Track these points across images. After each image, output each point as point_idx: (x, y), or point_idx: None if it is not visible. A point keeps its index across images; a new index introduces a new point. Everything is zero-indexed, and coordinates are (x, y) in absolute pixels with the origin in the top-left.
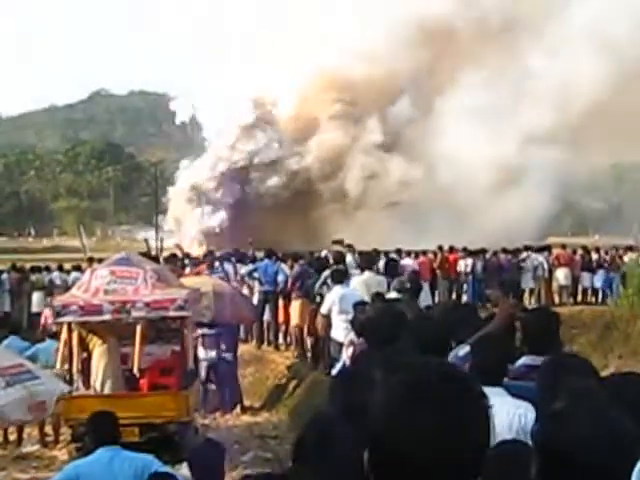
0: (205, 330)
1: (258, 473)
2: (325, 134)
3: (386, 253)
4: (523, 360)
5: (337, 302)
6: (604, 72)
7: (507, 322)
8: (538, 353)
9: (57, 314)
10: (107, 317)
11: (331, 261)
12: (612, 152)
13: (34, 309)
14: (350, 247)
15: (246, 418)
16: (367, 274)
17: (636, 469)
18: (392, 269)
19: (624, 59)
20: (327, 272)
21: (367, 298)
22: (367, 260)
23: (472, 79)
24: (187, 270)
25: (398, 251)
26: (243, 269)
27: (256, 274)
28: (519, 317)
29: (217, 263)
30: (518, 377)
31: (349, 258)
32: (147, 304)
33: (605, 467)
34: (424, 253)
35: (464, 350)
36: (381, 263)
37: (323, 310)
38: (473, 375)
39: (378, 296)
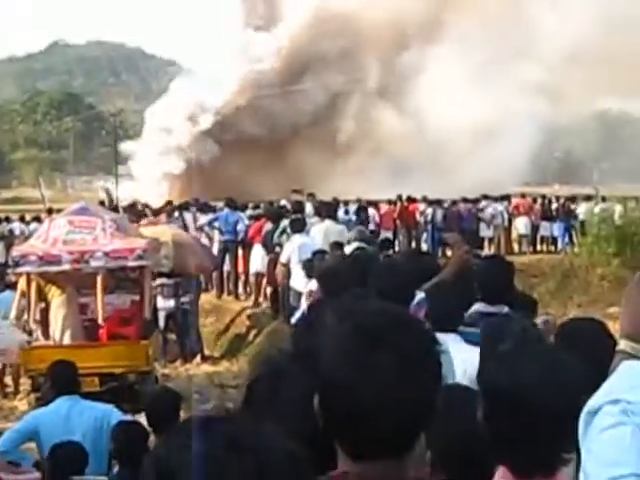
0: (164, 280)
1: (201, 414)
2: (320, 74)
3: (346, 202)
4: (476, 307)
5: (296, 251)
6: (590, 20)
7: (461, 268)
8: (490, 301)
9: (15, 264)
10: (66, 267)
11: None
12: (597, 101)
13: None
14: (311, 195)
15: (206, 367)
16: (327, 223)
17: (582, 414)
18: (363, 215)
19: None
20: (286, 221)
21: (327, 247)
22: (328, 209)
23: (472, 32)
24: (146, 220)
25: (358, 200)
26: (203, 218)
27: (216, 224)
28: (473, 263)
29: (176, 213)
30: (471, 324)
31: (308, 207)
32: (106, 254)
33: (549, 409)
34: (389, 203)
35: (419, 296)
36: (352, 208)
37: (282, 259)
38: (426, 321)
39: (336, 245)
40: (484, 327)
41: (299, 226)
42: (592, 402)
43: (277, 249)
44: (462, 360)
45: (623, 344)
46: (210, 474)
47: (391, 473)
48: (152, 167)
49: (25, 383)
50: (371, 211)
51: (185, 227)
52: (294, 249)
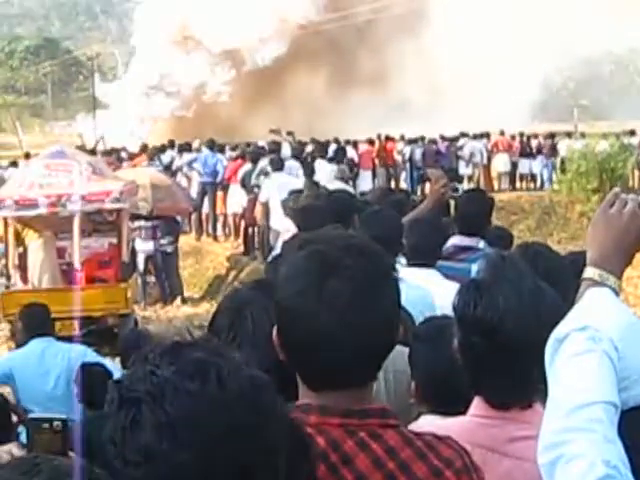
0: (142, 222)
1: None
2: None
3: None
4: (452, 240)
5: (276, 190)
6: None
7: (438, 202)
8: (467, 234)
9: None
10: (43, 211)
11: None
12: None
13: None
14: (290, 134)
15: (186, 309)
16: (320, 161)
17: (550, 342)
18: (340, 155)
19: None
20: (264, 162)
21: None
22: (319, 148)
23: None
24: (124, 163)
25: (336, 141)
26: (183, 159)
27: (195, 165)
28: (451, 197)
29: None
30: (447, 257)
31: (285, 147)
32: (83, 197)
33: (526, 338)
34: (368, 142)
35: None
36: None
37: (261, 198)
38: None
39: (314, 184)
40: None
41: (278, 165)
42: (559, 329)
43: (255, 190)
44: (440, 295)
45: (590, 272)
46: (174, 400)
47: (352, 403)
48: (133, 109)
49: (4, 328)
50: (351, 151)
51: (164, 169)
52: (273, 188)
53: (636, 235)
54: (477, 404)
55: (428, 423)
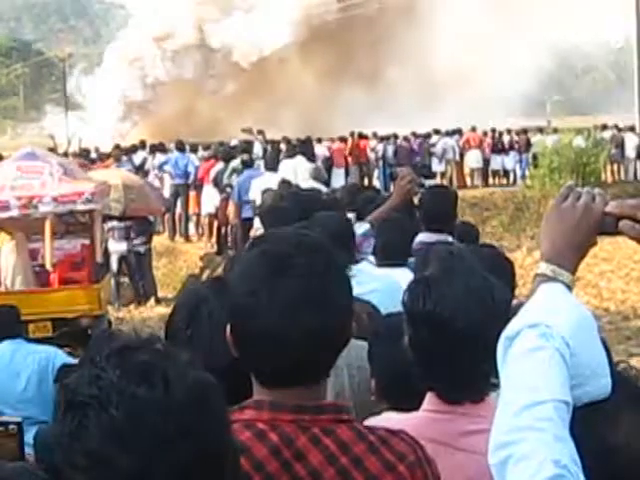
0: (115, 223)
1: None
2: None
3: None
4: (420, 237)
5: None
6: None
7: (404, 198)
8: (435, 230)
9: None
10: (14, 213)
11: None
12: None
13: None
14: (260, 133)
15: (160, 309)
16: (298, 159)
17: (501, 339)
18: (307, 151)
19: None
20: (236, 161)
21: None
22: (301, 145)
23: None
24: (96, 164)
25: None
26: (156, 159)
27: (166, 167)
28: (416, 193)
29: (124, 157)
30: (414, 254)
31: (257, 147)
32: (54, 198)
33: (474, 332)
34: (341, 140)
35: (363, 227)
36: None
37: (234, 197)
38: (374, 254)
39: (285, 182)
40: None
41: (251, 163)
42: (510, 326)
43: (228, 189)
44: None
45: (543, 267)
46: (120, 404)
47: (305, 399)
48: (105, 110)
49: None
50: (320, 148)
51: (135, 170)
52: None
53: (589, 229)
54: (429, 399)
55: (383, 419)
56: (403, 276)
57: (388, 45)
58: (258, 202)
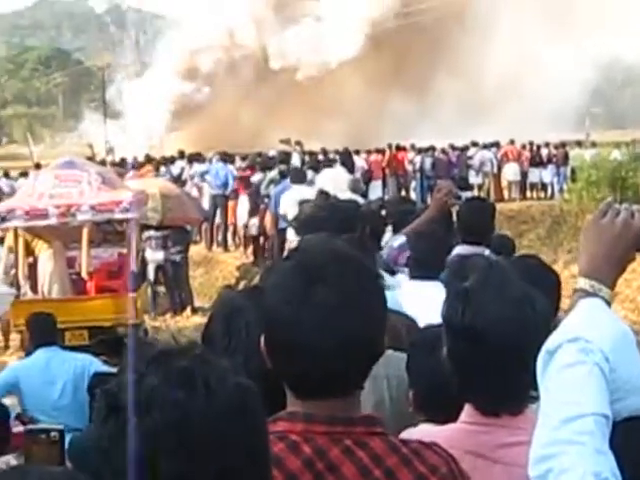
0: (152, 232)
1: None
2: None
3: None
4: (457, 250)
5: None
6: None
7: (441, 211)
8: (471, 243)
9: (2, 219)
10: (53, 221)
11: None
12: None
13: None
14: (298, 144)
15: (196, 319)
16: (338, 170)
17: (541, 354)
18: (346, 162)
19: None
20: (273, 172)
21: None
22: (341, 156)
23: None
24: (131, 173)
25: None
26: (193, 169)
27: (207, 177)
28: (453, 205)
29: (162, 167)
30: (447, 267)
31: (295, 157)
32: (92, 207)
33: (514, 345)
34: (377, 152)
35: (399, 240)
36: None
37: (281, 210)
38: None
39: (323, 193)
40: (451, 265)
41: (297, 178)
42: (550, 341)
43: (265, 200)
44: None
45: (582, 282)
46: (161, 408)
47: (338, 411)
48: (143, 120)
49: (15, 338)
50: (360, 161)
51: (174, 180)
52: (291, 199)
53: (627, 245)
54: (467, 411)
55: (419, 430)
56: (434, 290)
57: (440, 55)
58: (289, 215)
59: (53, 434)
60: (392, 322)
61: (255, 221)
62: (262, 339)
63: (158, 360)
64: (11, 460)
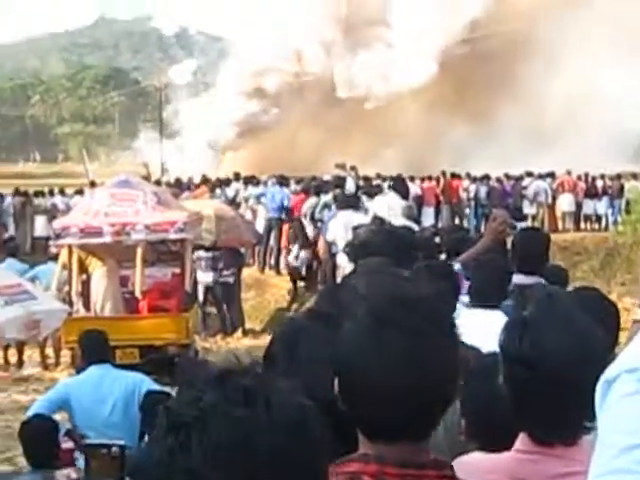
0: (201, 253)
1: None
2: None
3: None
4: (515, 279)
5: (341, 227)
6: None
7: (496, 239)
8: (526, 272)
9: (57, 236)
10: (107, 239)
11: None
12: None
13: (37, 233)
14: (353, 169)
15: (247, 341)
16: (391, 196)
17: (600, 383)
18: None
19: None
20: (327, 196)
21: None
22: (394, 182)
23: None
24: (186, 194)
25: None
26: (248, 191)
27: (263, 199)
28: (508, 235)
29: (218, 188)
30: (508, 297)
31: (350, 182)
32: (147, 226)
33: (572, 376)
34: (429, 179)
35: (455, 267)
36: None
37: (329, 237)
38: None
39: (377, 219)
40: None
41: (344, 204)
42: (609, 371)
43: (319, 224)
44: None
45: None
46: (221, 427)
47: (409, 455)
48: (201, 140)
49: (66, 355)
50: (414, 187)
51: (228, 201)
52: (338, 225)
53: None
54: (521, 440)
55: (471, 458)
56: (495, 319)
57: (504, 82)
58: (339, 242)
59: (114, 449)
60: (461, 353)
61: (303, 254)
62: (335, 382)
63: (219, 378)
64: (72, 473)
